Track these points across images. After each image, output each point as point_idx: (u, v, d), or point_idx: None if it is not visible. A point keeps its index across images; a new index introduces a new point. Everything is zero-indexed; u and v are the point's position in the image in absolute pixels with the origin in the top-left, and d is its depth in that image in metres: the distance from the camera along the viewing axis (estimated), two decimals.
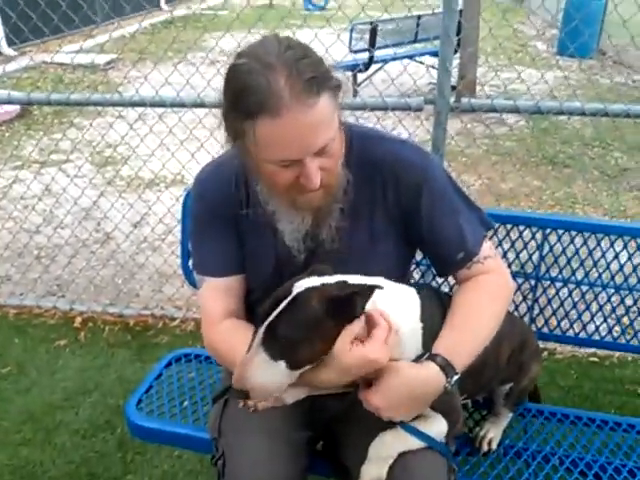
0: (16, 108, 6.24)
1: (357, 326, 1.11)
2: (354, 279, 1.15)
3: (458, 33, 2.30)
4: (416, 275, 1.83)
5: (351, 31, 6.60)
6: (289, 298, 1.08)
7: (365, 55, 6.67)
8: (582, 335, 1.85)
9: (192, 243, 1.44)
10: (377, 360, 1.11)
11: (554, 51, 9.16)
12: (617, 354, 2.64)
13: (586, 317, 1.84)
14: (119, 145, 3.48)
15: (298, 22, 2.93)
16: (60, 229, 3.58)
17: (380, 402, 1.16)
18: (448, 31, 2.21)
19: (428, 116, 2.91)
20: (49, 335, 2.85)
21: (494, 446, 1.58)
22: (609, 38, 3.11)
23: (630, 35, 2.75)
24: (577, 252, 1.79)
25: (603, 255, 1.78)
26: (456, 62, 5.29)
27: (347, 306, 1.08)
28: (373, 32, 6.56)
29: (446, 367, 1.18)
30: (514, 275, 1.79)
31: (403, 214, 1.31)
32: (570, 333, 1.86)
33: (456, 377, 1.19)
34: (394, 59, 6.08)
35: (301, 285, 1.10)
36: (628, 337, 1.81)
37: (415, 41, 7.28)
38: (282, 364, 1.07)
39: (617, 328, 1.82)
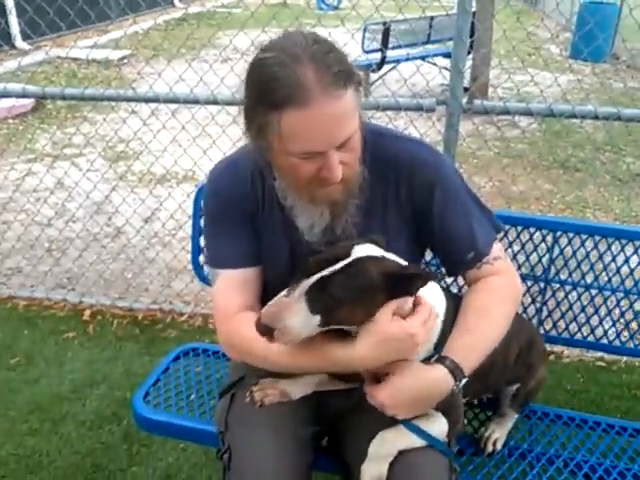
0: (30, 102, 6.29)
1: (403, 301, 1.14)
2: (402, 262, 1.17)
3: (471, 35, 2.30)
4: None
5: (364, 31, 6.60)
6: (348, 260, 1.09)
7: (378, 55, 6.67)
8: (590, 339, 1.85)
9: (206, 238, 1.44)
10: (416, 336, 1.12)
11: (567, 55, 9.12)
12: (624, 359, 2.63)
13: (594, 321, 1.83)
14: (132, 140, 3.50)
15: (312, 21, 2.92)
16: (72, 222, 3.60)
17: (386, 399, 1.17)
18: (461, 32, 2.21)
19: (440, 117, 2.91)
20: (58, 327, 2.88)
21: (499, 447, 1.58)
22: (623, 42, 3.09)
23: None
24: (587, 255, 1.79)
25: (613, 259, 1.77)
26: (469, 64, 5.27)
27: (406, 285, 1.11)
28: (386, 32, 6.55)
29: (455, 370, 1.19)
30: (524, 277, 1.79)
31: (415, 212, 1.32)
32: (578, 336, 1.85)
33: (464, 380, 1.20)
34: (407, 60, 6.08)
35: (361, 251, 1.11)
36: (636, 342, 1.80)
37: (428, 42, 7.27)
38: (317, 318, 1.09)
39: (625, 333, 1.82)
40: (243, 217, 1.35)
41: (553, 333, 1.87)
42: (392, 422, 1.22)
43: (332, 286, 1.08)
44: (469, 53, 4.83)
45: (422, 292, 1.16)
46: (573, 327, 1.85)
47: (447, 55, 6.93)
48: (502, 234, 1.70)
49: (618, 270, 1.78)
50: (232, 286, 1.35)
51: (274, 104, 1.09)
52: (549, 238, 1.78)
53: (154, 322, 2.93)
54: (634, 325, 1.81)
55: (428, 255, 1.58)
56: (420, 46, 7.02)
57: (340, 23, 2.94)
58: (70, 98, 2.82)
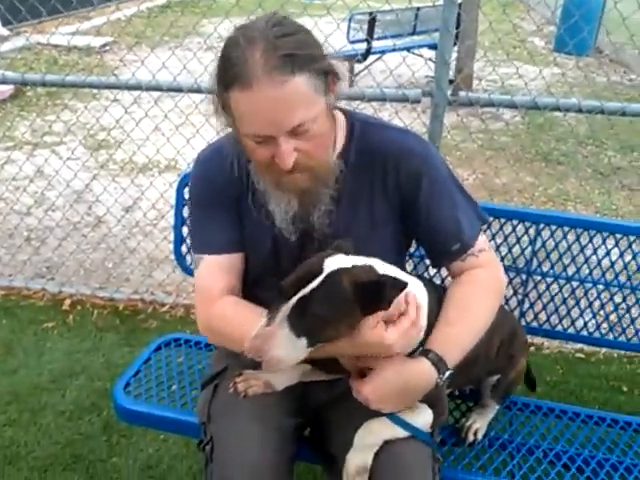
0: (9, 88, 6.17)
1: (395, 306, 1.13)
2: (378, 264, 1.15)
3: (457, 26, 2.29)
4: (408, 267, 1.83)
5: (349, 21, 6.56)
6: (322, 277, 1.07)
7: (363, 46, 6.64)
8: (571, 331, 1.86)
9: (192, 224, 1.44)
10: (392, 347, 1.13)
11: (551, 48, 9.16)
12: (603, 351, 2.66)
13: (575, 313, 1.85)
14: (113, 129, 3.44)
15: (298, 10, 2.90)
16: (51, 211, 3.55)
17: (371, 394, 1.18)
18: (447, 24, 2.20)
19: (425, 109, 2.91)
20: (37, 317, 2.84)
21: (479, 437, 1.59)
22: (608, 36, 3.10)
23: (629, 33, 2.75)
24: (569, 248, 1.80)
25: (595, 252, 1.79)
26: (454, 55, 5.27)
27: (376, 295, 1.09)
28: (371, 23, 6.52)
29: (439, 363, 1.20)
30: (506, 269, 1.80)
31: (402, 202, 1.32)
32: (559, 328, 1.87)
33: (448, 373, 1.21)
34: (392, 50, 6.06)
35: (332, 264, 1.09)
36: (616, 334, 1.82)
37: (414, 33, 7.26)
38: (303, 341, 1.08)
39: (605, 325, 1.84)
40: (228, 203, 1.34)
41: (534, 324, 1.88)
42: (377, 413, 1.22)
43: (312, 305, 1.06)
44: (454, 45, 4.81)
45: (413, 293, 1.16)
46: (554, 319, 1.87)
47: (432, 47, 6.92)
48: (485, 226, 1.70)
49: (599, 262, 1.80)
50: (215, 271, 1.35)
51: (226, 84, 1.11)
52: (532, 230, 1.79)
53: (135, 312, 2.90)
54: (614, 317, 1.83)
55: (412, 247, 1.58)
56: (406, 37, 7.00)
57: (326, 12, 2.91)
58: (51, 85, 2.77)
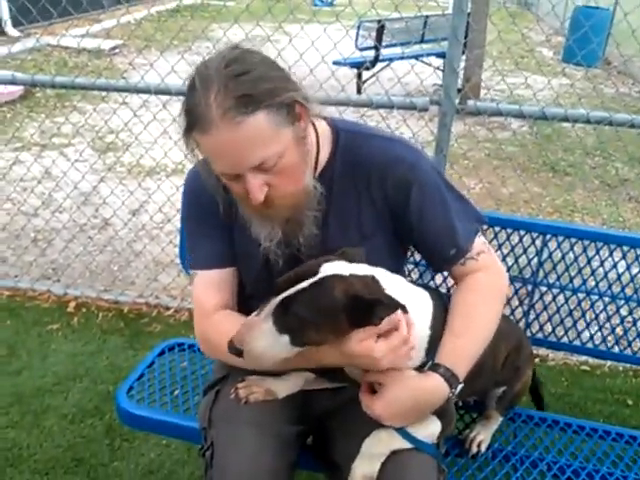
0: (19, 89, 6.22)
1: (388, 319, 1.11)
2: (382, 275, 1.14)
3: (465, 36, 2.29)
4: (414, 275, 1.82)
5: (358, 28, 6.58)
6: (314, 279, 1.07)
7: (371, 53, 6.65)
8: (576, 343, 1.85)
9: (186, 240, 1.46)
10: (379, 361, 1.11)
11: (560, 58, 9.16)
12: (608, 364, 2.64)
13: (581, 325, 1.84)
14: (121, 131, 3.47)
15: (306, 17, 2.90)
16: (58, 213, 3.56)
17: (383, 411, 1.18)
18: (456, 32, 2.20)
19: (432, 117, 2.90)
20: (42, 319, 2.85)
21: (483, 448, 1.58)
22: (617, 47, 3.10)
23: (638, 45, 2.74)
24: (576, 259, 1.79)
25: (601, 264, 1.78)
26: (462, 64, 5.28)
27: (367, 310, 1.08)
28: (380, 30, 6.54)
29: (450, 378, 1.19)
30: (512, 280, 1.79)
31: (392, 212, 1.30)
32: (564, 340, 1.85)
33: (460, 387, 1.20)
34: (401, 58, 6.07)
35: (328, 269, 1.09)
36: (622, 347, 1.81)
37: (422, 41, 7.27)
38: (286, 338, 1.08)
39: (611, 337, 1.83)
40: (217, 218, 1.34)
41: (539, 336, 1.87)
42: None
43: (296, 305, 1.06)
44: (463, 53, 4.82)
45: (408, 311, 1.13)
46: (560, 330, 1.85)
47: (441, 55, 6.93)
48: (492, 235, 1.70)
49: (606, 275, 1.79)
50: (208, 287, 1.37)
51: (188, 127, 1.13)
52: (538, 241, 1.78)
53: (140, 316, 2.90)
54: (620, 330, 1.81)
55: (417, 256, 1.57)
56: (414, 45, 7.01)
57: (335, 19, 2.92)
58: (60, 86, 2.78)
